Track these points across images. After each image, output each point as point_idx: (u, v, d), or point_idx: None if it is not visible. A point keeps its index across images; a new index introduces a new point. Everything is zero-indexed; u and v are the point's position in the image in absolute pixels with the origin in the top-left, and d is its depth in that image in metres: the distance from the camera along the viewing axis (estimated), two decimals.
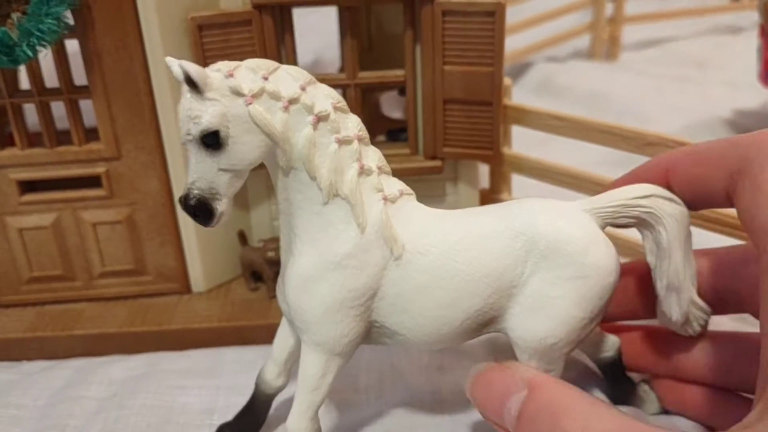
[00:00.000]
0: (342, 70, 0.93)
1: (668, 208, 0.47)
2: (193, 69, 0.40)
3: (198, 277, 0.71)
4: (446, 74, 0.64)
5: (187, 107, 0.42)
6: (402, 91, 0.90)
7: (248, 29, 0.63)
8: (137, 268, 0.70)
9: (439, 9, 0.62)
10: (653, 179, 0.49)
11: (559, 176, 0.70)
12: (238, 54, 0.63)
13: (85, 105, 0.64)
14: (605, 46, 1.38)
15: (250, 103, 0.42)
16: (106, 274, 0.70)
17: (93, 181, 0.66)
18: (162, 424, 0.58)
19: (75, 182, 0.66)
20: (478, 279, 0.46)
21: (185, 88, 0.41)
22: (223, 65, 0.43)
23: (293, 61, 0.66)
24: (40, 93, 0.63)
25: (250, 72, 0.43)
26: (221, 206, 0.43)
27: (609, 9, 1.36)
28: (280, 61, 0.64)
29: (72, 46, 0.62)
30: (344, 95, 0.68)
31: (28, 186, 0.67)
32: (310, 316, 0.46)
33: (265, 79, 0.43)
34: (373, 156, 0.47)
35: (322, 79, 0.67)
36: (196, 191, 0.42)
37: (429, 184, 0.70)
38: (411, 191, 0.49)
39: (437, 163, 0.69)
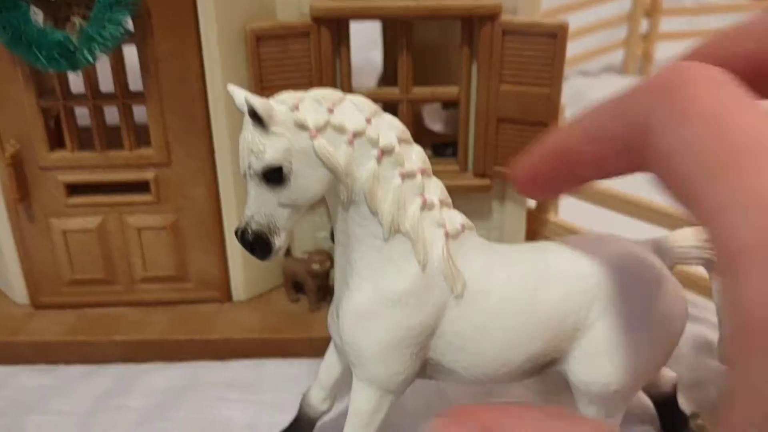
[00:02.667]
0: (383, 78, 0.93)
1: None
2: (259, 103, 0.39)
3: (239, 285, 0.71)
4: (502, 93, 0.64)
5: (249, 140, 0.41)
6: (445, 105, 0.90)
7: (305, 41, 0.62)
8: (179, 275, 0.70)
9: (499, 28, 0.62)
10: (558, 170, 0.40)
11: (608, 200, 0.70)
12: (294, 65, 0.62)
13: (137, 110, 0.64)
14: (638, 62, 1.37)
15: (315, 137, 0.41)
16: (148, 280, 0.70)
17: (141, 186, 0.66)
18: None
19: (122, 186, 0.66)
20: (541, 321, 0.45)
21: (248, 120, 0.40)
22: (289, 97, 0.42)
23: (348, 73, 0.65)
24: (95, 97, 0.63)
25: (315, 104, 0.42)
26: (279, 241, 0.42)
27: (643, 25, 1.35)
28: (335, 74, 0.65)
29: (128, 51, 0.62)
30: (396, 109, 0.68)
31: (75, 188, 0.66)
32: (365, 353, 0.45)
33: (330, 111, 0.42)
34: (435, 189, 0.46)
35: (375, 94, 0.68)
36: (254, 226, 0.42)
37: (476, 203, 0.70)
38: (472, 225, 0.48)
39: (486, 181, 0.68)
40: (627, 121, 0.35)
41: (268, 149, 0.40)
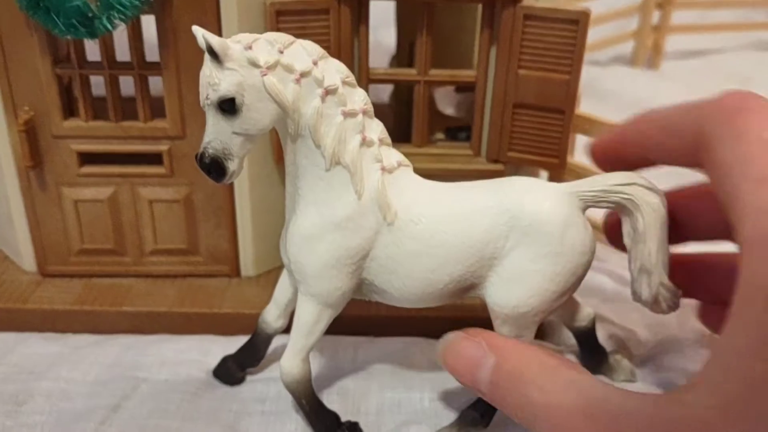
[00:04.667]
0: (395, 58, 0.93)
1: (647, 197, 0.50)
2: (215, 40, 0.44)
3: (248, 261, 0.71)
4: (520, 78, 0.64)
5: (207, 74, 0.45)
6: (458, 88, 0.90)
7: (325, 18, 0.62)
8: (189, 248, 0.69)
9: (521, 12, 0.61)
10: (631, 151, 0.53)
11: None
12: (313, 41, 0.62)
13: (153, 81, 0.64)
14: (648, 53, 1.36)
15: (265, 75, 0.46)
16: (158, 252, 0.70)
17: (154, 158, 0.66)
18: (214, 411, 0.57)
19: (135, 158, 0.66)
20: (464, 249, 0.50)
21: (207, 56, 0.45)
22: (244, 37, 0.46)
23: (366, 52, 0.65)
24: (111, 66, 0.62)
25: (267, 45, 0.46)
26: (233, 165, 0.47)
27: (655, 17, 1.34)
28: (353, 51, 0.64)
29: (145, 21, 0.62)
30: (412, 91, 0.67)
31: (88, 158, 0.66)
32: (308, 269, 0.51)
33: (281, 52, 0.46)
34: (376, 128, 0.51)
35: (392, 75, 0.67)
36: (211, 150, 0.47)
37: None
38: (408, 163, 0.53)
39: (499, 166, 0.68)
40: (695, 128, 0.45)
41: (223, 82, 0.45)
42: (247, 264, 0.71)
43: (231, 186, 0.67)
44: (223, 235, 0.69)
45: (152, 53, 0.62)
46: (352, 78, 0.50)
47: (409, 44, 0.76)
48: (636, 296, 0.53)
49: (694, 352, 0.63)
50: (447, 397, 0.60)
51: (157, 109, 0.64)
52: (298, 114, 0.48)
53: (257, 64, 0.45)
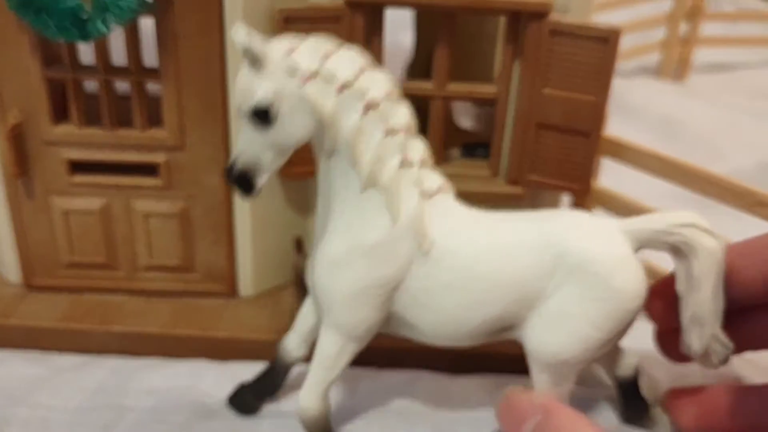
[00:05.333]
0: (411, 66, 0.88)
1: (705, 241, 0.46)
2: (256, 43, 0.41)
3: (247, 280, 0.67)
4: (545, 97, 0.59)
5: (244, 79, 0.42)
6: (477, 102, 0.85)
7: (336, 27, 0.57)
8: (185, 265, 0.65)
9: (547, 28, 0.57)
10: None
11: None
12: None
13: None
14: (675, 66, 1.31)
15: (305, 84, 0.42)
16: (152, 268, 0.65)
17: (149, 170, 0.62)
18: None
19: (130, 168, 0.62)
20: (504, 285, 0.47)
21: (245, 60, 0.42)
22: (286, 41, 0.43)
23: (379, 62, 0.60)
24: (106, 70, 0.58)
25: (310, 50, 0.43)
26: (261, 181, 0.44)
27: (682, 28, 1.29)
28: None
29: (144, 25, 0.57)
30: (428, 106, 0.63)
31: (79, 166, 0.62)
32: (333, 298, 0.48)
33: (324, 59, 0.43)
34: (418, 148, 0.47)
35: (407, 89, 0.63)
36: (240, 164, 0.43)
37: (505, 209, 0.65)
38: (450, 188, 0.50)
39: (519, 190, 0.63)
40: None
41: (259, 89, 0.42)
42: (246, 283, 0.67)
43: (230, 200, 0.63)
44: (220, 251, 0.65)
45: (151, 58, 0.58)
46: (397, 92, 0.46)
47: (428, 52, 0.71)
48: (685, 347, 0.49)
49: None
50: None
51: (155, 117, 0.60)
52: (335, 128, 0.44)
53: (298, 71, 0.42)
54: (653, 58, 1.32)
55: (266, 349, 0.61)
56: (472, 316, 0.47)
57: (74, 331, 0.62)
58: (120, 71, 0.59)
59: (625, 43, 1.30)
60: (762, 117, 1.16)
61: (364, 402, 0.58)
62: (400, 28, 1.01)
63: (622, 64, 1.30)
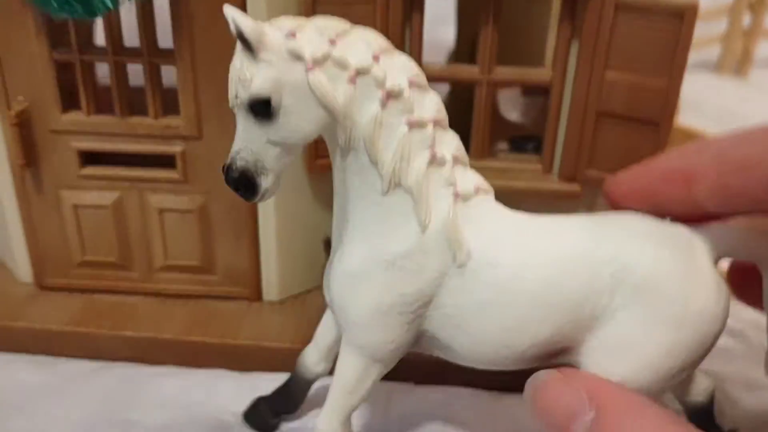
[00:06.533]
0: (453, 57, 0.82)
1: None
2: (247, 25, 0.35)
3: (272, 283, 0.61)
4: (607, 82, 0.52)
5: (237, 67, 0.37)
6: (525, 91, 0.79)
7: (371, 4, 0.51)
8: (204, 266, 0.60)
9: (612, 2, 0.50)
10: (670, 189, 0.41)
11: None
12: None
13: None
14: (736, 60, 1.23)
15: (311, 70, 0.36)
16: (168, 268, 0.61)
17: (166, 161, 0.57)
18: None
19: (144, 159, 0.57)
20: (554, 304, 0.40)
21: (239, 45, 0.36)
22: (287, 22, 0.37)
23: (418, 47, 0.55)
24: (116, 52, 0.53)
25: (316, 33, 0.37)
26: (266, 182, 0.38)
27: (746, 20, 1.21)
28: (403, 47, 0.54)
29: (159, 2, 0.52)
30: (472, 93, 0.57)
31: (90, 158, 0.57)
32: (354, 316, 0.42)
33: (333, 43, 0.37)
34: (450, 143, 0.41)
35: (451, 72, 0.57)
36: (240, 162, 0.38)
37: (558, 209, 0.59)
38: (489, 188, 0.43)
39: (575, 187, 0.57)
40: None
41: (256, 78, 0.36)
42: (270, 287, 0.61)
43: None
44: (243, 252, 0.60)
45: (166, 39, 0.53)
46: (423, 78, 0.40)
47: (471, 40, 0.65)
48: None
49: None
50: None
51: (170, 103, 0.55)
52: (350, 122, 0.38)
53: (301, 56, 0.36)
54: (713, 52, 1.24)
55: (290, 359, 0.55)
56: (515, 339, 0.41)
57: (84, 335, 0.58)
58: (132, 53, 0.54)
59: None
60: None
61: (396, 423, 0.52)
62: (440, 23, 0.95)
63: None
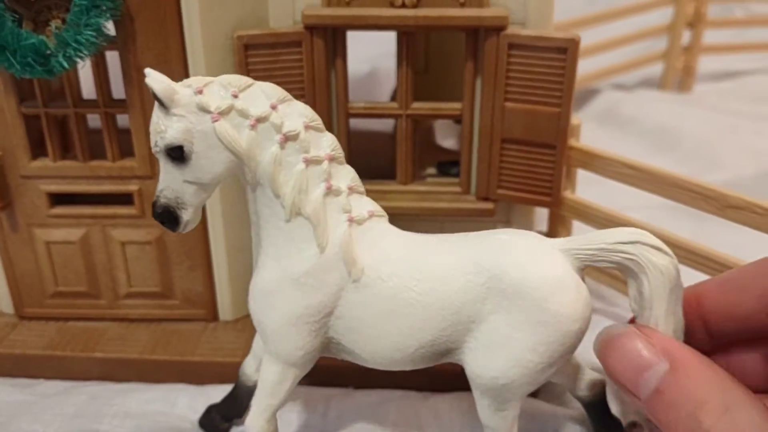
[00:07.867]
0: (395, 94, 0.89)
1: (654, 258, 0.44)
2: (159, 86, 0.42)
3: (226, 304, 0.67)
4: (507, 111, 0.59)
5: (155, 121, 0.43)
6: (458, 120, 0.86)
7: (297, 51, 0.58)
8: (164, 291, 0.67)
9: (505, 41, 0.57)
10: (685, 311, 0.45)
11: None
12: (285, 75, 0.59)
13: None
14: (678, 75, 1.30)
15: (216, 121, 0.43)
16: (132, 295, 0.67)
17: (125, 199, 0.63)
18: None
19: (106, 198, 0.63)
20: (435, 311, 0.46)
21: (155, 102, 0.43)
22: (195, 81, 0.44)
23: (343, 86, 0.61)
24: (76, 104, 0.60)
25: (221, 89, 0.44)
26: (187, 215, 0.45)
27: (685, 37, 1.28)
28: (329, 86, 0.61)
29: (111, 57, 0.59)
30: (395, 125, 0.63)
31: (58, 198, 0.64)
32: (268, 327, 0.48)
33: (235, 96, 0.44)
34: (346, 176, 0.48)
35: (372, 109, 0.63)
36: (163, 200, 0.45)
37: (478, 226, 0.64)
38: (383, 213, 0.49)
39: (489, 205, 0.63)
40: None
41: (170, 129, 0.43)
42: (225, 307, 0.67)
43: (205, 226, 0.64)
44: (197, 277, 0.66)
45: (120, 90, 0.60)
46: (318, 122, 0.46)
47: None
48: None
49: None
50: None
51: (125, 145, 0.62)
52: (254, 162, 0.45)
53: (207, 109, 0.43)
54: (657, 69, 1.31)
55: None
56: (406, 342, 0.47)
57: (59, 358, 0.64)
58: (90, 104, 0.60)
59: (627, 54, 1.30)
60: (764, 121, 1.14)
61: (333, 423, 0.58)
62: (390, 55, 1.02)
63: (623, 77, 1.29)
